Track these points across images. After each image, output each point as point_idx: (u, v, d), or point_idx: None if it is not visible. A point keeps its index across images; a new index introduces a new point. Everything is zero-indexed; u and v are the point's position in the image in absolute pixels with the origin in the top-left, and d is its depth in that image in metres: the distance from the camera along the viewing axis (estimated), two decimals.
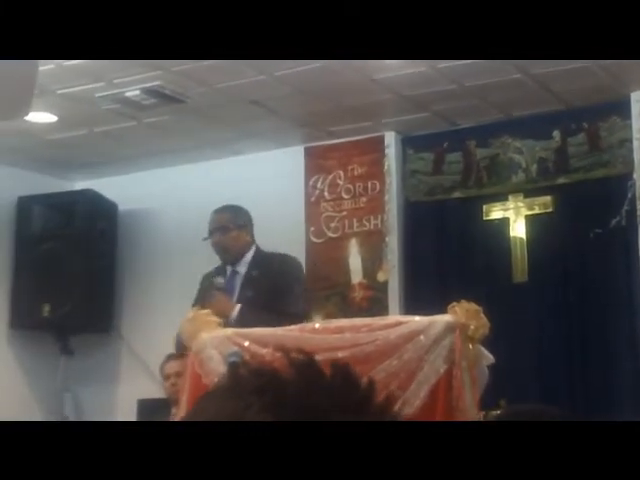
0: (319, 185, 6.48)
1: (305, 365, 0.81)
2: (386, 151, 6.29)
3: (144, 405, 6.13)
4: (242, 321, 4.39)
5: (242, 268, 4.92)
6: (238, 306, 4.68)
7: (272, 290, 4.78)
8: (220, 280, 4.85)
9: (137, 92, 5.46)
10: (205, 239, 4.97)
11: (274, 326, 3.79)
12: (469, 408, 3.40)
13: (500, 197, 6.02)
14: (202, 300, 4.67)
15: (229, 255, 4.93)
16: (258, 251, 4.98)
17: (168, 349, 5.47)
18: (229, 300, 4.75)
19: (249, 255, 4.95)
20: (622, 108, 5.65)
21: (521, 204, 5.95)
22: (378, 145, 6.33)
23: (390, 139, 6.29)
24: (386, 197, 6.26)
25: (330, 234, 6.40)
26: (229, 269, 4.93)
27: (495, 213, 6.01)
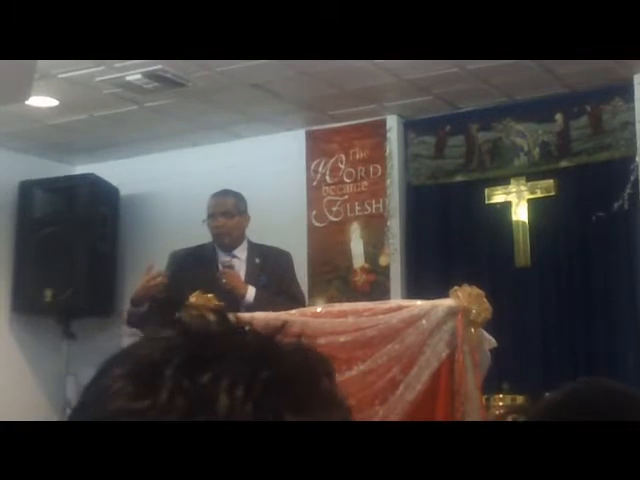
0: (321, 169, 6.47)
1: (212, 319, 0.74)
2: (388, 135, 6.27)
3: None
4: (258, 306, 4.40)
5: (242, 254, 4.92)
6: (252, 289, 4.68)
7: (281, 277, 4.82)
8: (227, 259, 4.84)
9: (138, 76, 5.44)
10: (205, 221, 4.96)
11: (286, 310, 3.79)
12: (471, 392, 3.40)
13: (502, 181, 6.01)
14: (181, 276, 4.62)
15: (230, 240, 4.92)
16: (249, 240, 5.00)
17: None
18: (240, 278, 4.76)
19: (245, 242, 4.97)
20: (625, 91, 5.63)
21: (523, 188, 5.93)
22: (380, 129, 6.31)
23: (392, 123, 6.28)
24: (388, 181, 6.25)
25: (332, 218, 6.39)
26: (222, 254, 4.91)
27: (497, 197, 6.00)
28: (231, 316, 0.74)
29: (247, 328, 0.74)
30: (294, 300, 4.63)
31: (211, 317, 0.73)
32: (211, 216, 4.95)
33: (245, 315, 3.88)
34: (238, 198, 5.02)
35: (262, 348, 0.72)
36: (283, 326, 0.74)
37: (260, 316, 3.74)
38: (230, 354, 0.70)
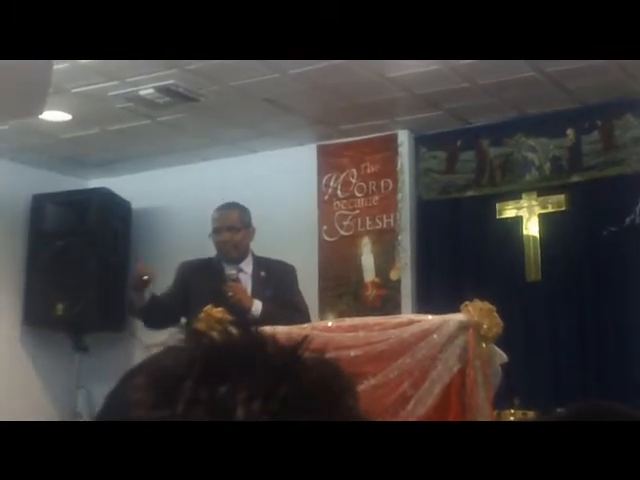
0: (332, 183, 6.48)
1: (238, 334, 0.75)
2: (399, 149, 6.29)
3: None
4: (265, 319, 4.40)
5: (247, 268, 4.92)
6: (259, 303, 4.69)
7: (285, 290, 4.83)
8: (233, 272, 4.85)
9: (151, 90, 5.47)
10: (210, 235, 4.96)
11: (292, 323, 3.80)
12: (482, 407, 3.40)
13: (513, 195, 6.01)
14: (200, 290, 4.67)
15: (236, 253, 4.91)
16: (253, 253, 5.00)
17: None
18: (246, 291, 4.77)
19: (250, 256, 4.96)
20: (636, 106, 5.63)
21: (535, 202, 5.93)
22: (391, 143, 6.33)
23: (403, 137, 6.29)
24: (399, 195, 6.26)
25: (343, 232, 6.40)
26: (228, 267, 4.91)
27: (508, 211, 6.00)
28: (253, 329, 0.75)
29: (269, 341, 0.74)
30: (298, 311, 4.65)
31: (234, 330, 0.74)
32: (216, 230, 4.94)
33: (267, 329, 3.88)
34: (242, 211, 5.01)
35: (283, 362, 0.72)
36: (305, 340, 0.74)
37: (282, 330, 3.75)
38: (251, 367, 0.70)
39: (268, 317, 4.39)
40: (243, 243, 4.94)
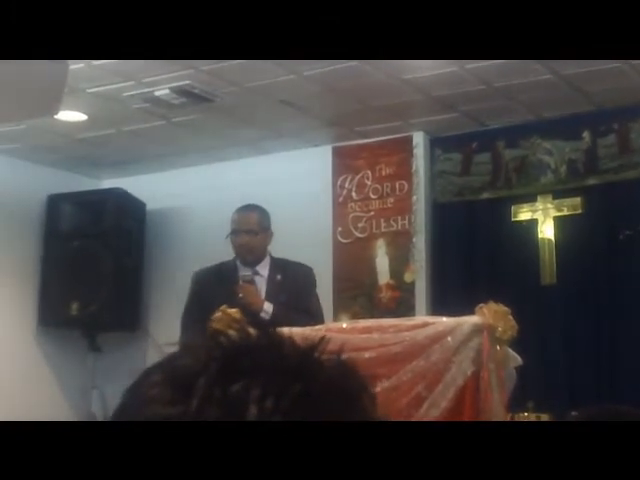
0: (347, 185, 6.48)
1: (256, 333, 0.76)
2: (414, 151, 6.28)
3: None
4: (276, 322, 4.39)
5: (264, 271, 4.90)
6: (270, 305, 4.68)
7: (298, 294, 4.80)
8: (248, 273, 4.84)
9: (166, 91, 5.48)
10: (228, 236, 4.94)
11: (303, 326, 3.79)
12: (496, 410, 3.39)
13: (529, 198, 5.99)
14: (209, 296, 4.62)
15: (253, 257, 4.89)
16: (271, 255, 4.98)
17: None
18: (258, 294, 4.76)
19: (267, 258, 4.94)
20: None
21: (550, 205, 5.92)
22: (406, 145, 6.32)
23: (418, 139, 6.28)
24: (414, 197, 6.25)
25: (357, 234, 6.40)
26: (244, 269, 4.90)
27: (524, 214, 5.99)
28: (271, 329, 0.75)
29: (286, 342, 0.74)
30: (311, 317, 4.56)
31: (252, 330, 0.75)
32: (234, 232, 4.92)
33: (284, 329, 3.88)
34: (262, 214, 4.98)
35: (299, 362, 0.73)
36: (322, 341, 0.75)
37: (297, 331, 3.74)
38: (266, 366, 0.71)
39: (279, 320, 4.37)
40: (260, 247, 4.91)
